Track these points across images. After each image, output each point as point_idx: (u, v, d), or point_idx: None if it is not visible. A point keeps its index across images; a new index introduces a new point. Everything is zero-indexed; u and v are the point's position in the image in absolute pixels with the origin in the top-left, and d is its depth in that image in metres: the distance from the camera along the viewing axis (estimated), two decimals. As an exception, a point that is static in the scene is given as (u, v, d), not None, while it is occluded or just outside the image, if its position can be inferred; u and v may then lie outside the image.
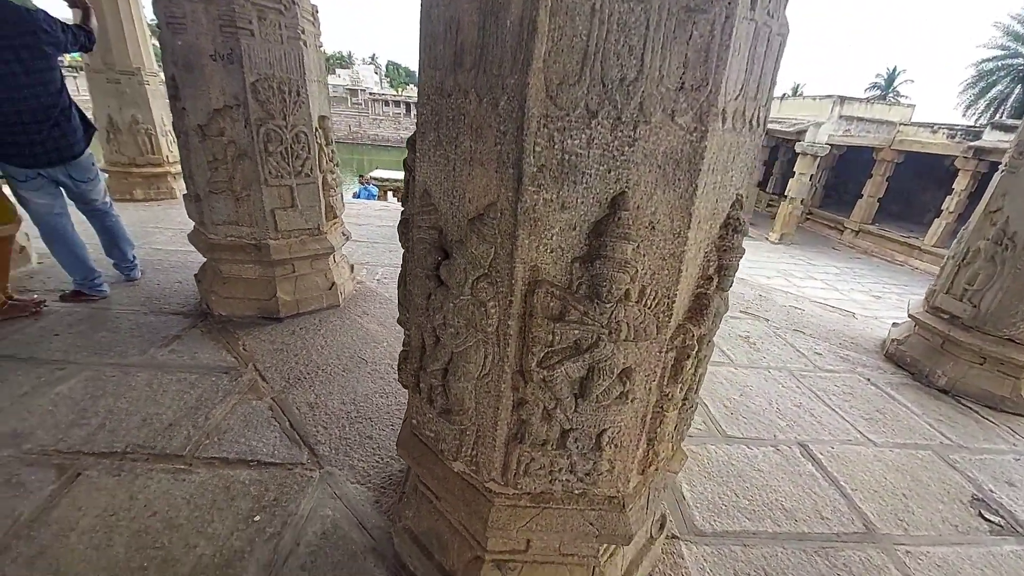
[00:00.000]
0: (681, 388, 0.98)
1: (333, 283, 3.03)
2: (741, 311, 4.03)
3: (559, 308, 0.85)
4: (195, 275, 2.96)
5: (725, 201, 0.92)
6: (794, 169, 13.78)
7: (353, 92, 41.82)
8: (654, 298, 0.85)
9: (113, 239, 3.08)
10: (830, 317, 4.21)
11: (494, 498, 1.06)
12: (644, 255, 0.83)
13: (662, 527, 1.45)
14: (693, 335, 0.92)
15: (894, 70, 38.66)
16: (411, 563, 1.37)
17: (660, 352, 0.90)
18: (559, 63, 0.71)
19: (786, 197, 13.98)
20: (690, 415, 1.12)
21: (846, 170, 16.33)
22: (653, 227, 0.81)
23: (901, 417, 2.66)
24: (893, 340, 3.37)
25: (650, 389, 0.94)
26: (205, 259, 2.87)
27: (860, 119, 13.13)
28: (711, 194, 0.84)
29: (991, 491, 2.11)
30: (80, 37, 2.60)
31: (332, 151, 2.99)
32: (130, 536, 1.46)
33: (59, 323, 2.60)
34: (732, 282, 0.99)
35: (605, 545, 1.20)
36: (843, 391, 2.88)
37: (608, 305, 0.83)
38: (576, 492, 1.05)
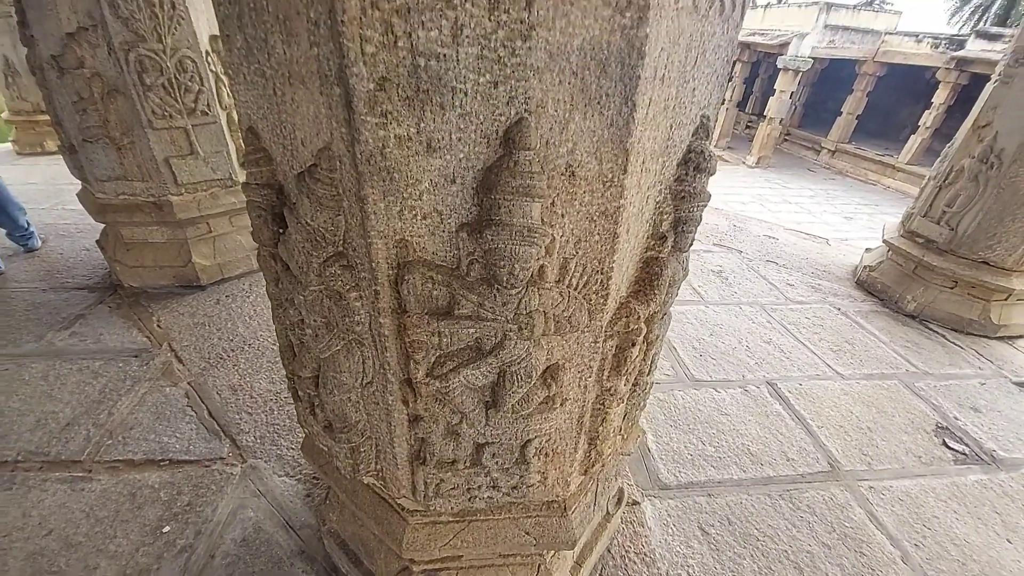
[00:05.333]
0: (627, 380, 0.77)
1: (263, 241, 2.68)
2: (715, 244, 3.86)
3: (446, 299, 0.59)
4: (97, 241, 2.56)
5: (684, 127, 0.64)
6: (775, 87, 13.11)
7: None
8: (581, 275, 0.60)
9: (-3, 205, 2.61)
10: (804, 245, 4.09)
11: (408, 516, 0.87)
12: (563, 215, 0.56)
13: (619, 502, 1.33)
14: (639, 316, 0.69)
15: (881, -30, 36.43)
16: (342, 566, 1.22)
17: (595, 342, 0.67)
18: None
19: (765, 117, 13.44)
20: (643, 397, 0.92)
21: (827, 86, 15.66)
22: (572, 173, 0.53)
23: (869, 347, 2.60)
24: (865, 267, 3.27)
25: (585, 387, 0.72)
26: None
27: (846, 28, 12.28)
28: (661, 117, 0.57)
29: (956, 419, 2.08)
30: None
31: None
32: (24, 560, 1.26)
33: (-68, 310, 2.23)
34: (693, 240, 0.74)
35: (552, 540, 1.06)
36: (813, 323, 2.80)
37: (514, 291, 0.57)
38: (506, 503, 0.87)
